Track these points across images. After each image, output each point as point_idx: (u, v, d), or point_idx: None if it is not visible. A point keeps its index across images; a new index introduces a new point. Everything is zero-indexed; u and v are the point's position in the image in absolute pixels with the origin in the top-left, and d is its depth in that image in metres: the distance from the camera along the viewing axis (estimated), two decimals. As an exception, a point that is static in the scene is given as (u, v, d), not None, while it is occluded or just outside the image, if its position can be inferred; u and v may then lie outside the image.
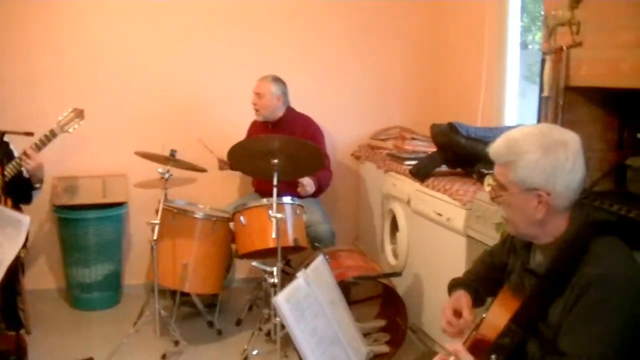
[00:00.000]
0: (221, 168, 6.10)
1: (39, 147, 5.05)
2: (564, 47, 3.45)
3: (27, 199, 5.35)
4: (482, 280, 3.12)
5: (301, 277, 3.28)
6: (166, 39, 6.43)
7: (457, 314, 2.99)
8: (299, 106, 6.18)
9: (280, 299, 2.98)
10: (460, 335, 2.93)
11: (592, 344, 2.32)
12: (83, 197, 6.10)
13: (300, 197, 5.55)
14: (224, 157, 5.62)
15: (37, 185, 5.26)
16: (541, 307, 2.53)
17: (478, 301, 3.07)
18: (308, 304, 3.21)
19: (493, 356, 2.56)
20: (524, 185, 2.51)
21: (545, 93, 3.59)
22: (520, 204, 2.55)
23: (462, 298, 3.02)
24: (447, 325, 2.95)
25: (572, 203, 2.55)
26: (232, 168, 6.01)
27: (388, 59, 6.98)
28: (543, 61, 3.65)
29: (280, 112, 6.00)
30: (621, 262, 2.42)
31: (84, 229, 5.98)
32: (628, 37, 3.03)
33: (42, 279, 6.43)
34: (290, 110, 6.08)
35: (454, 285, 3.17)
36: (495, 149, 2.61)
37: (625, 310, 2.33)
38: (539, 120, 3.68)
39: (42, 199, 5.87)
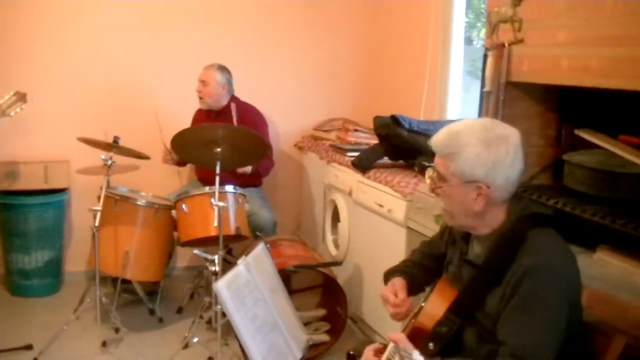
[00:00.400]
0: (165, 161, 6.07)
1: None
2: (506, 44, 3.50)
3: None
4: (419, 269, 3.14)
5: (242, 264, 3.31)
6: (111, 24, 6.37)
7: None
8: (243, 96, 6.18)
9: (221, 285, 3.01)
10: (407, 316, 2.97)
11: (528, 332, 2.36)
12: (24, 183, 6.04)
13: (241, 183, 5.58)
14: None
15: None
16: (478, 297, 2.56)
17: (414, 289, 3.08)
18: (248, 290, 3.25)
19: (431, 344, 2.60)
20: (464, 177, 2.53)
21: (487, 88, 3.64)
22: (460, 195, 2.57)
23: (397, 282, 3.05)
24: (394, 307, 2.95)
25: (511, 195, 2.59)
26: (178, 163, 6.07)
27: (333, 50, 7.02)
28: (485, 57, 3.70)
29: (224, 101, 6.01)
30: (557, 253, 2.47)
31: (25, 215, 5.92)
32: (566, 35, 3.09)
33: (-20, 265, 6.36)
34: (234, 99, 6.06)
35: (390, 273, 3.18)
36: (437, 140, 2.63)
37: (559, 300, 2.38)
38: (480, 115, 3.73)
39: (-19, 184, 5.81)
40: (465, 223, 2.67)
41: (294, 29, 6.87)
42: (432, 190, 2.72)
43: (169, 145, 5.45)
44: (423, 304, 2.90)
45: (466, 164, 2.51)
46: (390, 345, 2.53)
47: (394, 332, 2.58)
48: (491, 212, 2.59)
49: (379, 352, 2.63)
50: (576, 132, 3.36)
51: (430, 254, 3.16)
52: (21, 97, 5.16)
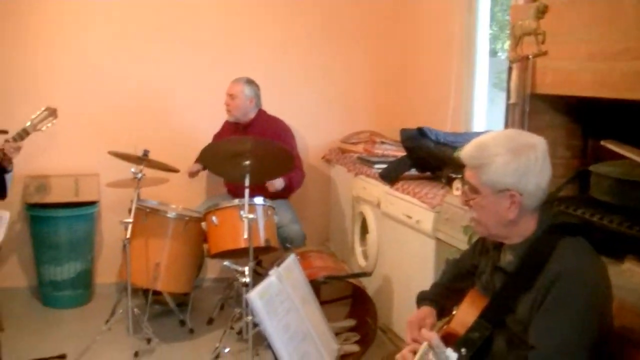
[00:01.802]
0: (192, 175, 6.18)
1: (15, 141, 5.04)
2: (530, 56, 3.52)
3: (2, 193, 5.34)
4: (449, 293, 3.16)
5: (274, 274, 3.35)
6: (140, 39, 6.46)
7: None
8: (271, 109, 6.23)
9: (254, 295, 3.05)
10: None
11: (555, 335, 2.39)
12: (55, 196, 6.12)
13: (270, 195, 5.62)
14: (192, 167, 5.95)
15: (10, 167, 5.19)
16: (510, 303, 2.60)
17: (442, 316, 3.13)
18: (280, 300, 3.29)
19: (463, 350, 2.63)
20: (497, 187, 2.56)
21: (512, 100, 3.66)
22: (493, 205, 2.60)
23: (427, 320, 3.06)
24: (413, 343, 2.99)
25: (541, 203, 2.62)
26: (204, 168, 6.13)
27: (359, 63, 7.05)
28: (510, 69, 3.72)
29: (252, 114, 6.06)
30: (586, 260, 2.50)
31: (56, 227, 6.00)
32: (588, 49, 3.10)
33: (13, 277, 6.45)
34: (262, 113, 6.14)
35: (422, 299, 3.21)
36: (466, 153, 2.66)
37: (587, 304, 2.41)
38: (506, 126, 3.75)
39: (14, 197, 5.90)
40: (498, 233, 2.70)
41: (320, 42, 6.92)
42: (465, 203, 2.75)
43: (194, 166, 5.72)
44: (455, 312, 2.94)
45: (497, 174, 2.55)
46: (424, 344, 2.56)
47: (427, 331, 2.61)
48: (523, 220, 2.62)
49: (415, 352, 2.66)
50: (602, 143, 3.37)
51: (458, 274, 3.19)
52: (52, 113, 5.23)
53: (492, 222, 2.67)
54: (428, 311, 3.11)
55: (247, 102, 6.00)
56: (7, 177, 5.26)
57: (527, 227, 2.64)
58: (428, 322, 3.05)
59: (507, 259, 2.75)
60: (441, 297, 3.18)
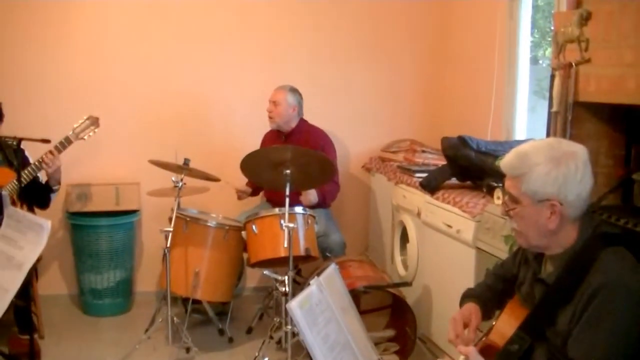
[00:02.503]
0: (240, 198, 6.20)
1: (58, 150, 5.10)
2: (573, 63, 3.49)
3: (44, 204, 5.39)
4: (493, 293, 3.15)
5: (314, 284, 3.33)
6: (181, 47, 6.50)
7: (466, 327, 3.03)
8: (311, 118, 6.24)
9: (294, 305, 3.03)
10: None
11: (595, 349, 2.37)
12: (96, 204, 6.17)
13: (307, 206, 5.61)
14: (241, 187, 5.95)
15: (56, 187, 5.30)
16: (550, 315, 2.58)
17: (486, 313, 3.10)
18: (320, 310, 3.27)
19: (501, 362, 2.62)
20: (537, 197, 2.55)
21: (554, 108, 3.63)
22: (534, 215, 2.59)
23: (473, 316, 3.05)
24: (456, 338, 2.97)
25: (582, 213, 2.60)
26: (252, 194, 6.19)
27: (399, 72, 7.04)
28: (552, 76, 3.69)
29: (293, 123, 6.07)
30: (628, 272, 2.46)
31: (97, 235, 6.05)
32: (633, 55, 3.07)
33: (54, 284, 6.51)
34: (303, 122, 6.15)
35: (466, 296, 3.20)
36: (506, 162, 2.65)
37: (630, 317, 2.38)
38: (547, 135, 3.72)
39: (55, 205, 5.93)
40: (538, 243, 2.68)
41: (359, 50, 6.91)
42: (505, 213, 2.73)
43: (236, 184, 5.74)
44: (494, 323, 2.91)
45: (537, 183, 2.53)
46: (461, 358, 2.54)
47: (465, 346, 2.59)
48: (564, 230, 2.60)
49: None
50: (646, 151, 3.34)
51: (503, 276, 3.17)
52: (94, 122, 5.28)
53: (532, 233, 2.65)
54: (473, 308, 3.09)
55: (290, 110, 6.01)
56: (52, 196, 5.34)
57: (568, 237, 2.62)
58: (473, 319, 3.04)
59: (548, 270, 2.74)
60: (486, 297, 3.16)
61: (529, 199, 2.57)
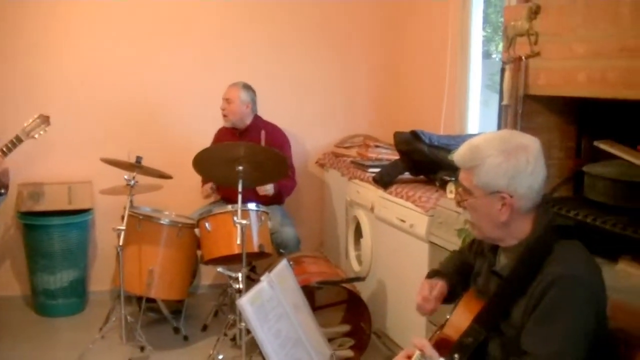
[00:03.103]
0: (208, 196, 6.17)
1: (4, 153, 5.02)
2: (523, 57, 3.51)
3: None
4: (460, 276, 3.15)
5: (265, 280, 3.33)
6: (133, 45, 6.44)
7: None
8: (266, 114, 6.22)
9: (244, 302, 3.03)
10: (431, 314, 2.99)
11: (551, 342, 2.37)
12: (48, 204, 6.08)
13: (264, 201, 5.60)
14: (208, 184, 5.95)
15: (2, 191, 5.23)
16: (503, 307, 2.58)
17: (451, 296, 3.10)
18: (272, 306, 3.26)
19: (456, 355, 2.61)
20: (488, 189, 2.55)
21: (505, 101, 3.64)
22: (485, 207, 2.60)
23: (439, 284, 3.06)
24: (423, 300, 3.00)
25: (535, 205, 2.61)
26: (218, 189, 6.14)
27: (353, 68, 7.05)
28: (503, 70, 3.71)
29: (248, 120, 6.05)
30: (582, 265, 2.48)
31: (49, 235, 5.97)
32: (583, 48, 3.08)
33: (7, 285, 6.41)
34: (258, 119, 6.13)
35: (434, 275, 3.19)
36: (459, 155, 2.66)
37: (584, 310, 2.39)
38: (499, 128, 3.74)
39: (6, 205, 5.88)
40: (492, 235, 2.69)
41: (313, 46, 6.92)
42: (458, 204, 2.75)
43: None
44: (449, 316, 2.92)
45: (488, 176, 2.54)
46: (417, 353, 2.54)
47: (419, 338, 2.59)
48: (517, 222, 2.61)
49: (410, 357, 2.63)
50: (595, 143, 3.36)
51: (465, 261, 3.17)
52: (44, 120, 5.23)
53: (485, 224, 2.66)
54: (441, 282, 3.09)
55: (244, 107, 5.98)
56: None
57: (522, 229, 2.63)
58: (438, 286, 3.06)
59: (502, 262, 2.75)
60: (453, 277, 3.15)
61: (480, 191, 2.58)
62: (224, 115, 6.01)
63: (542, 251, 2.52)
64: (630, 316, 2.70)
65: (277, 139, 6.03)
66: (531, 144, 2.58)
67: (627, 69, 2.80)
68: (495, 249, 2.81)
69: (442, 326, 2.93)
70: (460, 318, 2.81)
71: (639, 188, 3.08)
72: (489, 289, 2.76)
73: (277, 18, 6.78)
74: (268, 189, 5.72)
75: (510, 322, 2.57)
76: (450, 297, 3.10)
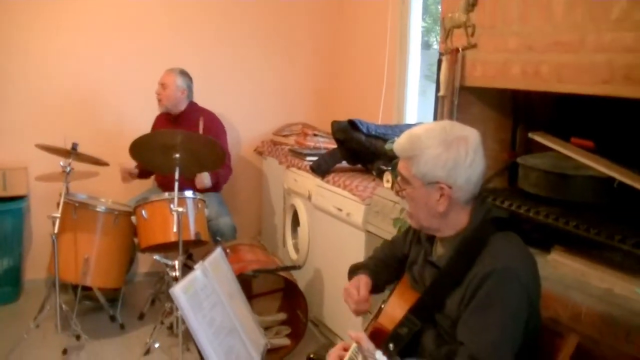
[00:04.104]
0: (125, 180, 6.05)
1: None
2: (460, 49, 3.54)
3: None
4: (384, 267, 3.15)
5: (199, 268, 3.32)
6: (68, 30, 6.34)
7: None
8: (203, 101, 6.19)
9: (177, 290, 3.02)
10: (368, 311, 3.01)
11: (486, 332, 2.38)
12: (-18, 190, 6.00)
13: (199, 190, 5.58)
14: (128, 167, 5.86)
15: None
16: (439, 298, 2.59)
17: (377, 287, 3.11)
18: (205, 295, 3.25)
19: (391, 345, 2.62)
20: (426, 179, 2.55)
21: (442, 92, 3.66)
22: (423, 197, 2.60)
23: (361, 279, 3.06)
24: (356, 304, 2.98)
25: (473, 197, 2.62)
26: (140, 176, 6.08)
27: (292, 56, 7.06)
28: (440, 61, 3.73)
29: (182, 106, 6.01)
30: (517, 257, 2.49)
31: (-17, 222, 5.88)
32: (518, 41, 3.13)
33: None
34: (193, 105, 6.09)
35: (354, 270, 3.20)
36: (399, 144, 2.65)
37: (519, 302, 2.41)
38: (435, 119, 3.77)
39: (-61, 191, 5.77)
40: (429, 225, 2.69)
41: (251, 33, 6.90)
42: (397, 193, 2.74)
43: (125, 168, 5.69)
44: (383, 306, 2.93)
45: (427, 166, 2.54)
46: (353, 346, 2.54)
47: (355, 331, 2.59)
48: (454, 213, 2.62)
49: (346, 350, 2.64)
50: (529, 135, 3.40)
51: (393, 254, 3.17)
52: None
53: (422, 214, 2.66)
54: (363, 279, 3.08)
55: (179, 92, 5.95)
56: None
57: (459, 220, 2.64)
58: (362, 282, 3.05)
59: (439, 252, 2.75)
60: (376, 267, 3.16)
61: (419, 181, 2.58)
62: (159, 100, 5.97)
63: (478, 243, 2.53)
64: (561, 305, 2.74)
65: (213, 126, 6.00)
66: (471, 135, 2.58)
67: (560, 63, 2.84)
68: (432, 238, 2.81)
69: (377, 315, 2.94)
70: (395, 308, 2.82)
71: (571, 179, 3.13)
72: (425, 277, 2.77)
73: (215, 5, 6.75)
74: (206, 182, 5.69)
75: (445, 313, 2.58)
76: (376, 289, 3.11)
